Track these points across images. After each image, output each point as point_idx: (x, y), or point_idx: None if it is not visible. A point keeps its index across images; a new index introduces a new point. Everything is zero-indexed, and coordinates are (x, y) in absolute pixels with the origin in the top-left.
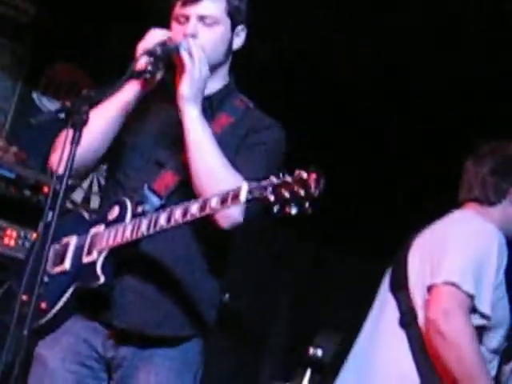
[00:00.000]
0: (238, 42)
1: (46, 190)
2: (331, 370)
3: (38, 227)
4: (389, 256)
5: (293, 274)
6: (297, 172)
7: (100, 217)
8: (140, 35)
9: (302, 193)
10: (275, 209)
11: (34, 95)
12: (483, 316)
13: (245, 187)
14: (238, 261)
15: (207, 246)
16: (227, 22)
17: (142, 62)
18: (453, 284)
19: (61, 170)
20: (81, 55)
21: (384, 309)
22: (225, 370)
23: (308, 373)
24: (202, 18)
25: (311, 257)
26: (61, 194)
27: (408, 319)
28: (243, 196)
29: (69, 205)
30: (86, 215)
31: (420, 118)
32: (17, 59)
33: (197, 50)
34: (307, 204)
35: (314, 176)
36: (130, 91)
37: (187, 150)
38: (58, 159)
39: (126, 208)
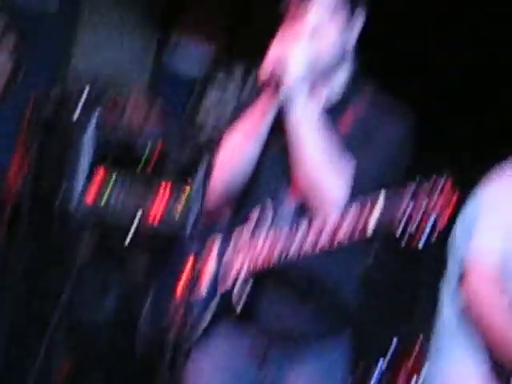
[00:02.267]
0: (359, 24)
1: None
2: None
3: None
4: None
5: None
6: (433, 180)
7: (239, 220)
8: None
9: (438, 203)
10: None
11: (166, 55)
12: None
13: (382, 195)
14: None
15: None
16: (346, 9)
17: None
18: (483, 255)
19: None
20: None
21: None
22: None
23: None
24: (320, 15)
25: None
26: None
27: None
28: (380, 204)
29: None
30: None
31: None
32: (148, 16)
33: (295, 46)
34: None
35: (449, 186)
36: (262, 110)
37: (291, 147)
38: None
39: (266, 211)
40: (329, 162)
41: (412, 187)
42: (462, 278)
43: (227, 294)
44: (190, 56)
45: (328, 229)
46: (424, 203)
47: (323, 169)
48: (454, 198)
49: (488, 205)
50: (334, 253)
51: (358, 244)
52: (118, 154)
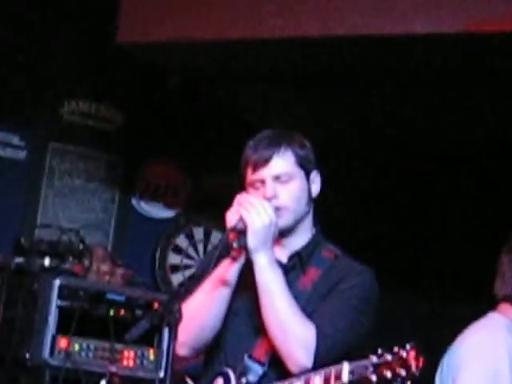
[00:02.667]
0: (315, 188)
1: (156, 306)
2: None
3: (153, 344)
4: None
5: None
6: (396, 350)
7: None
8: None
9: (404, 373)
10: None
11: (133, 201)
12: None
13: (346, 367)
14: None
15: None
16: (301, 173)
17: (229, 238)
18: None
19: (183, 352)
20: (172, 153)
21: None
22: None
23: None
24: (277, 178)
25: None
26: None
27: None
28: (345, 377)
29: None
30: None
31: None
32: (112, 169)
33: (254, 204)
34: (409, 383)
35: (413, 354)
36: (225, 267)
37: (259, 298)
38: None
39: (229, 380)
40: (296, 309)
41: (375, 357)
42: None
43: None
44: (158, 199)
45: (300, 380)
46: (388, 372)
47: (292, 314)
48: (420, 363)
49: (469, 355)
50: None
51: None
52: (81, 322)
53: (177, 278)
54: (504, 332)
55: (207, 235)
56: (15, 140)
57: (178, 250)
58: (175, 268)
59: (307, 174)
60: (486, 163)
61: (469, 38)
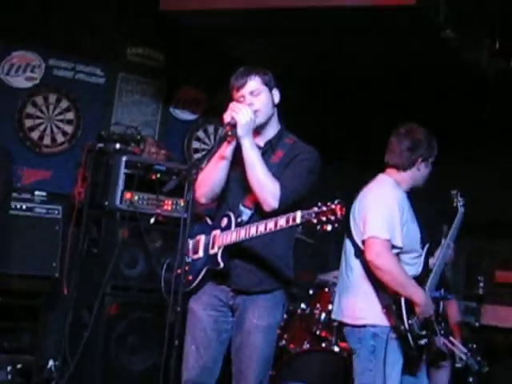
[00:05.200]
0: (276, 98)
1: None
2: None
3: (182, 196)
4: None
5: None
6: (329, 204)
7: (216, 224)
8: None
9: (333, 218)
10: (317, 227)
11: (171, 109)
12: (398, 247)
13: (299, 213)
14: None
15: (282, 235)
16: (266, 89)
17: (226, 129)
18: (375, 236)
19: (203, 201)
20: (196, 79)
21: (345, 244)
22: None
23: None
24: (251, 93)
25: None
26: (188, 223)
27: (358, 253)
28: (298, 219)
29: None
30: (209, 221)
31: None
32: (157, 89)
33: (240, 108)
34: (336, 224)
35: (339, 206)
36: (224, 148)
37: (246, 169)
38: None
39: (230, 219)
40: (268, 174)
41: (316, 208)
42: (365, 246)
43: (214, 255)
44: (186, 108)
45: (272, 220)
46: (323, 217)
47: (266, 176)
48: (343, 211)
49: (372, 204)
50: (276, 239)
51: (289, 232)
52: (138, 182)
53: (197, 157)
54: (392, 187)
55: (216, 130)
56: (98, 71)
57: (198, 140)
58: (196, 150)
59: (270, 90)
60: None
61: None
